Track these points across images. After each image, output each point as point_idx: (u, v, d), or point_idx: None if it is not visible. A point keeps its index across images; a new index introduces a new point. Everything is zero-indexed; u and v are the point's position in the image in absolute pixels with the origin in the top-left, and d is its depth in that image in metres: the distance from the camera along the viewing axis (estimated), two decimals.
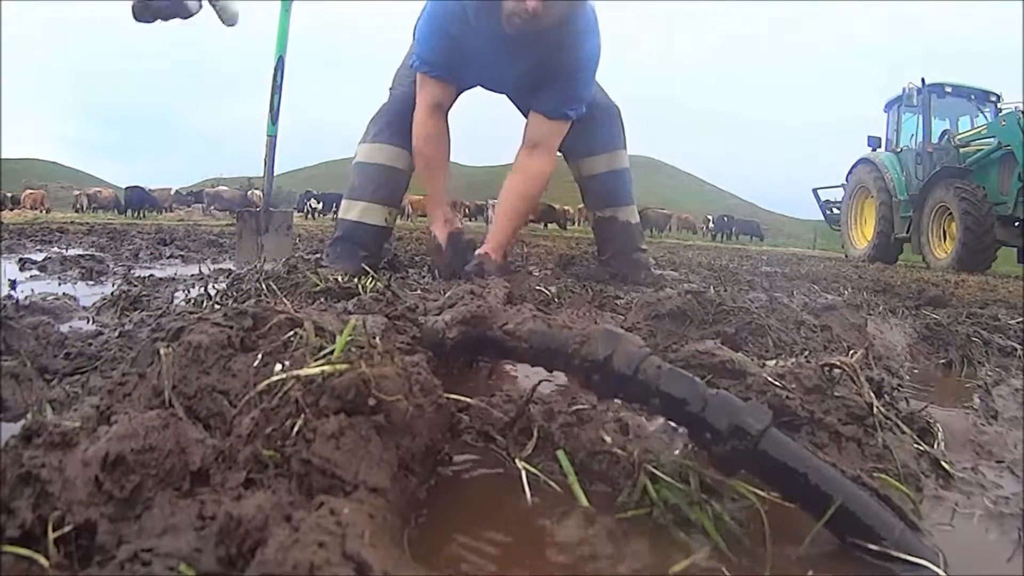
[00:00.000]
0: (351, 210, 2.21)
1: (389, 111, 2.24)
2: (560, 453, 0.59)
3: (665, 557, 0.49)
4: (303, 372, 0.49)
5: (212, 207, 21.56)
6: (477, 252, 2.05)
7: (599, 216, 2.49)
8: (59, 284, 1.97)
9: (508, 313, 0.69)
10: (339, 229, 2.25)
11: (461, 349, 0.72)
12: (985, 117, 9.00)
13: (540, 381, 0.70)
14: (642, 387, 0.56)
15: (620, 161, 2.42)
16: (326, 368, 0.49)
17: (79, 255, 2.73)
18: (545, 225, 24.11)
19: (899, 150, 9.82)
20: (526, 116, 2.32)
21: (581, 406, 0.69)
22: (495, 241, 2.08)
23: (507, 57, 1.99)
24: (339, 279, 1.52)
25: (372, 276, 1.62)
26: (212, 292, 1.57)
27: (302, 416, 0.46)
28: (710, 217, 32.99)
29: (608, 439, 0.60)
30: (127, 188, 23.55)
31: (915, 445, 0.69)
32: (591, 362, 0.59)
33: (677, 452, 0.62)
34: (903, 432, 0.69)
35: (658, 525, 0.52)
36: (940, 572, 0.46)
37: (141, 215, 20.90)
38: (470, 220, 25.17)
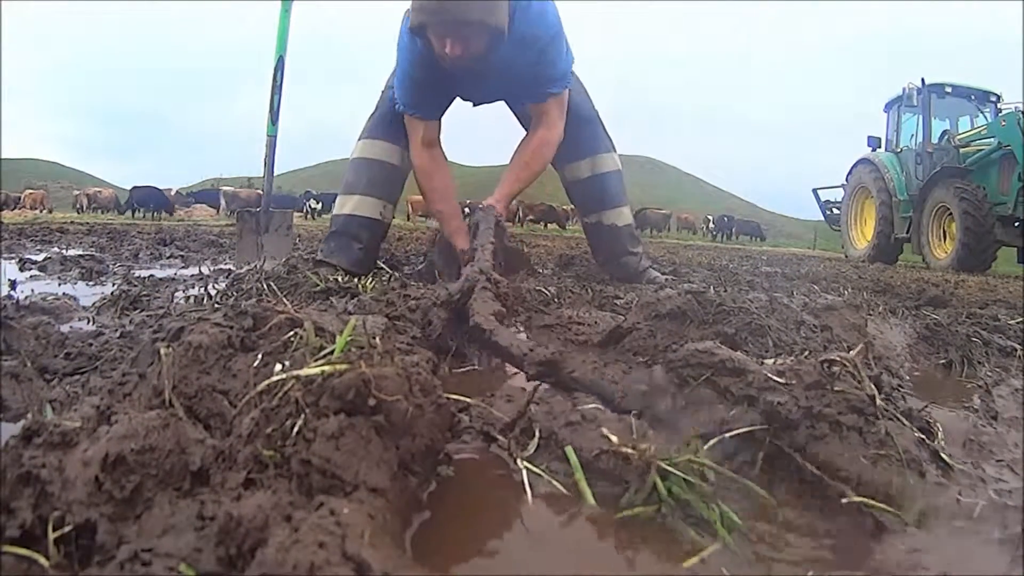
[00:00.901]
0: (345, 205, 2.23)
1: (384, 108, 2.25)
2: (568, 449, 0.60)
3: (669, 555, 0.49)
4: (303, 372, 0.49)
5: (231, 208, 21.38)
6: (483, 203, 2.11)
7: (586, 222, 2.50)
8: (59, 284, 1.97)
9: (575, 362, 0.83)
10: (334, 224, 2.26)
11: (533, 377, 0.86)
12: (985, 117, 9.00)
13: (541, 382, 0.70)
14: None
15: (604, 165, 2.41)
16: (326, 368, 0.49)
17: (79, 255, 2.73)
18: (545, 225, 24.09)
19: (899, 150, 9.81)
20: (517, 115, 2.40)
21: (584, 407, 0.69)
22: (500, 192, 2.15)
23: (474, 77, 2.03)
24: (339, 279, 1.52)
25: (372, 275, 1.62)
26: (212, 292, 1.57)
27: (302, 416, 0.46)
28: (710, 217, 32.96)
29: (614, 438, 0.60)
30: (133, 188, 22.98)
31: (915, 444, 0.69)
32: (628, 412, 0.70)
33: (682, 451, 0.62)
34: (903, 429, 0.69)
35: (662, 524, 0.52)
36: None
37: (156, 215, 20.48)
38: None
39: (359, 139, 2.29)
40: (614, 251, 2.44)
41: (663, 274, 2.68)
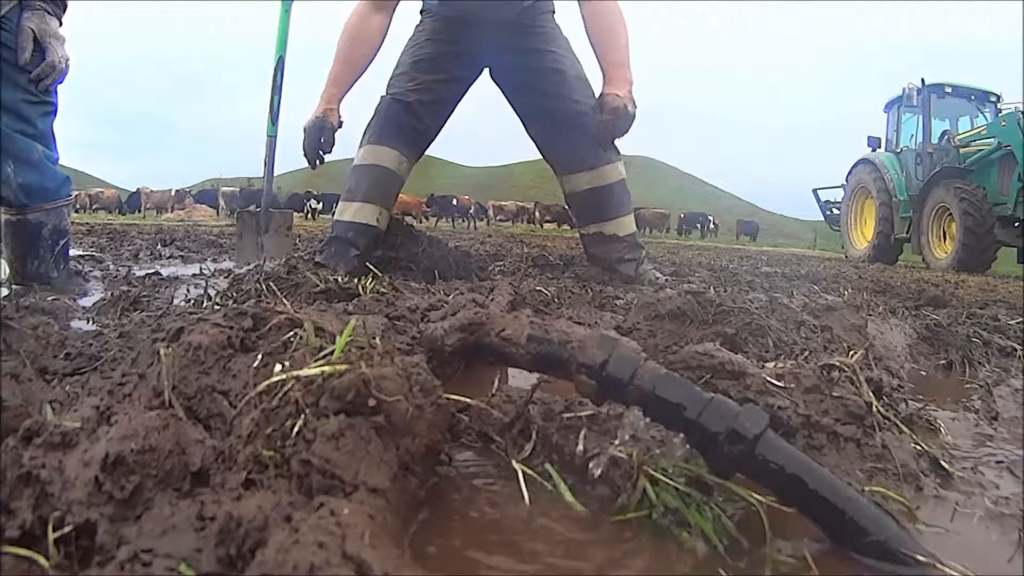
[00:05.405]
0: (346, 211, 2.24)
1: (380, 113, 2.27)
2: (548, 466, 0.59)
3: (664, 559, 0.49)
4: (303, 373, 0.49)
5: (229, 207, 21.29)
6: (603, 94, 2.13)
7: (583, 233, 2.46)
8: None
9: (506, 319, 0.69)
10: (334, 230, 2.26)
11: (459, 355, 0.73)
12: (985, 117, 9.00)
13: (540, 382, 0.70)
14: (638, 392, 0.56)
15: (604, 177, 2.34)
16: (326, 369, 0.49)
17: (79, 255, 2.73)
18: (559, 225, 24.07)
19: (899, 150, 9.81)
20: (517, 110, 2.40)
21: (580, 408, 0.69)
22: (616, 80, 2.15)
23: None
24: (339, 279, 1.52)
25: (372, 276, 1.62)
26: (212, 292, 1.57)
27: (302, 417, 0.46)
28: (681, 215, 32.84)
29: (608, 441, 0.60)
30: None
31: (915, 445, 0.69)
32: (588, 367, 0.59)
33: (677, 454, 0.62)
34: (902, 432, 0.69)
35: (658, 527, 0.52)
36: (946, 569, 0.46)
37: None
38: (476, 220, 25.18)
39: (361, 145, 2.29)
40: (610, 259, 2.40)
41: (664, 275, 2.67)
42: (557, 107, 2.29)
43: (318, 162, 2.23)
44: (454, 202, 24.85)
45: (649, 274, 2.44)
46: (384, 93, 2.31)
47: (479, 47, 2.27)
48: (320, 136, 2.18)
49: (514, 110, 2.42)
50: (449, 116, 2.39)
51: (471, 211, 25.30)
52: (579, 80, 2.32)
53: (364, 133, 2.31)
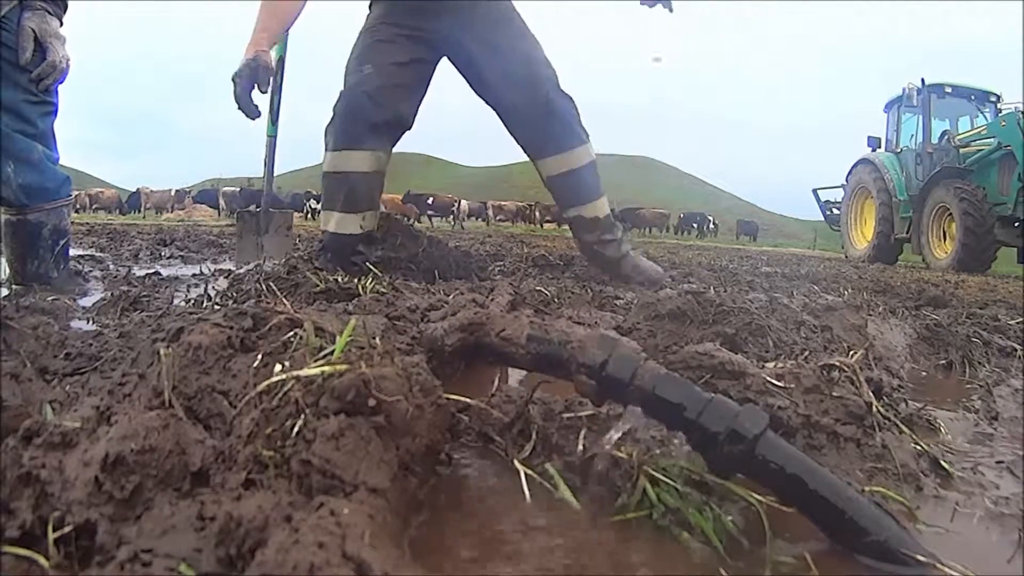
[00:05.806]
0: (328, 221, 2.24)
1: (339, 112, 2.21)
2: (548, 466, 0.59)
3: (664, 559, 0.49)
4: (303, 373, 0.49)
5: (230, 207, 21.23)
6: None
7: (565, 217, 2.51)
8: None
9: (506, 319, 0.70)
10: (323, 239, 2.27)
11: (459, 355, 0.74)
12: (985, 117, 9.00)
13: (540, 383, 0.70)
14: (638, 392, 0.57)
15: (572, 161, 2.37)
16: (326, 369, 0.49)
17: (79, 255, 2.73)
18: (558, 225, 24.02)
19: (899, 150, 9.82)
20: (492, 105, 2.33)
21: (580, 408, 0.69)
22: None
23: None
24: (339, 279, 1.52)
25: (372, 276, 1.62)
26: (212, 293, 1.57)
27: (302, 417, 0.46)
28: (681, 214, 32.94)
29: (607, 441, 0.60)
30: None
31: (915, 445, 0.69)
32: (588, 367, 0.59)
33: (677, 454, 0.62)
34: (902, 432, 0.69)
35: (658, 527, 0.52)
36: (946, 569, 0.46)
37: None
38: (474, 219, 25.04)
39: (327, 150, 2.24)
40: (591, 240, 2.44)
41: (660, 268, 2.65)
42: (519, 90, 2.26)
43: (255, 109, 2.07)
44: (429, 200, 23.32)
45: (631, 259, 2.44)
46: (343, 87, 2.24)
47: (434, 31, 2.22)
48: (254, 78, 2.04)
49: (477, 94, 2.37)
50: (418, 100, 2.32)
51: (454, 210, 23.90)
52: (542, 63, 2.30)
53: (327, 132, 2.24)
